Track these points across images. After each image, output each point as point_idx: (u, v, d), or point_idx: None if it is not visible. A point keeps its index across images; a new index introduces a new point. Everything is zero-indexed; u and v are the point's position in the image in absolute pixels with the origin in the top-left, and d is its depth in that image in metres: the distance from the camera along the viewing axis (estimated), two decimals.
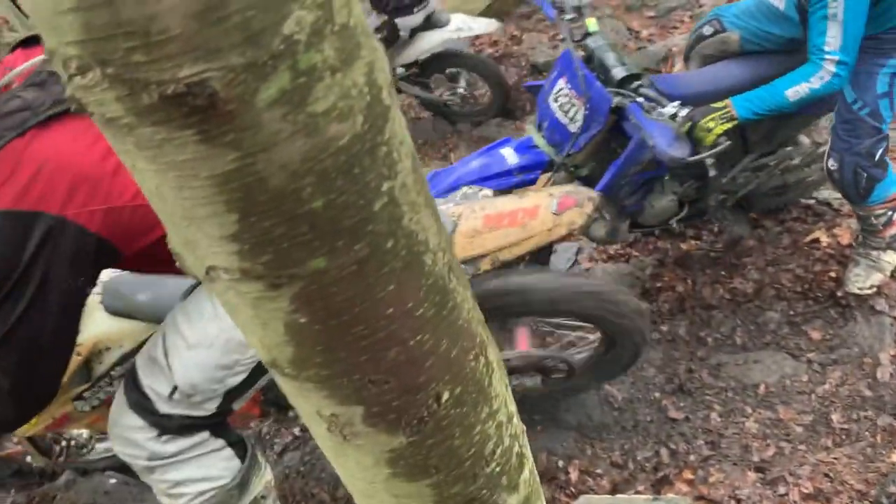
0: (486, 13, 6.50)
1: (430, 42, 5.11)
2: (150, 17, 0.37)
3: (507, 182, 2.64)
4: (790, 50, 2.68)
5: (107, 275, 1.77)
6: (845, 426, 2.63)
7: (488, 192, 2.08)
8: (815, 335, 3.02)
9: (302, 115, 0.43)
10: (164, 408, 1.46)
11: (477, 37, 6.42)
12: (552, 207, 1.94)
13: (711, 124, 2.35)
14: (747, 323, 3.13)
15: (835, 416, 2.68)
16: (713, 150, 2.34)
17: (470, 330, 0.62)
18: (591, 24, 2.61)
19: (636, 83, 2.48)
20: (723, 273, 3.33)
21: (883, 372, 2.73)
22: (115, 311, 1.82)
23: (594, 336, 2.48)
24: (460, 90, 5.50)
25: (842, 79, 2.30)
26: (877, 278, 2.94)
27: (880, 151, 2.56)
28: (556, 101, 2.64)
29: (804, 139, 3.18)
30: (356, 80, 0.45)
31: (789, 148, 3.07)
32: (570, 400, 2.90)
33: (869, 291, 2.95)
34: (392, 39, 4.90)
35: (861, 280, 2.96)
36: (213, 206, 0.45)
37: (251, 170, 0.43)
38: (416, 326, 0.55)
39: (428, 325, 0.56)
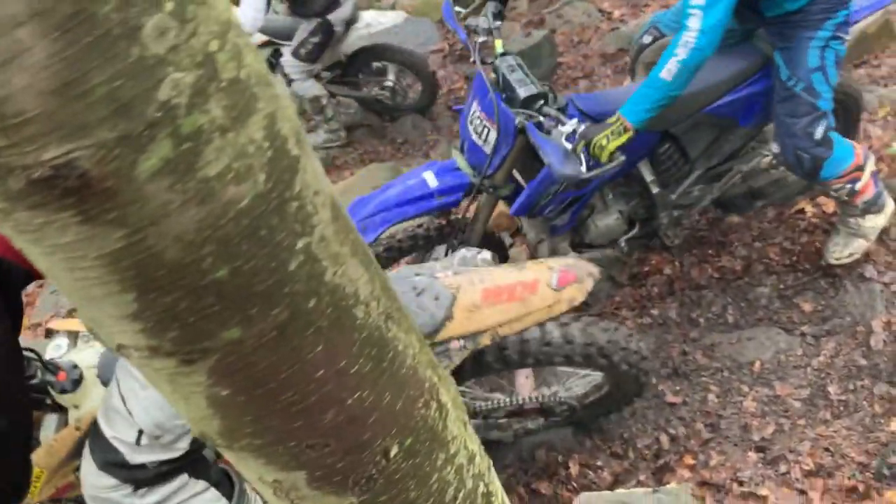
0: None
1: (348, 41, 5.15)
2: (2, 99, 0.34)
3: (428, 205, 2.62)
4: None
5: (101, 347, 1.73)
6: (843, 397, 2.61)
7: (487, 255, 2.04)
8: (807, 307, 3.00)
9: (192, 182, 0.39)
10: (134, 457, 1.40)
11: (448, 42, 6.38)
12: (552, 282, 1.90)
13: (604, 141, 2.28)
14: (738, 300, 3.11)
15: (832, 389, 2.66)
16: (607, 167, 2.30)
17: (417, 377, 0.59)
18: (499, 45, 2.60)
19: (540, 102, 2.46)
20: (710, 252, 3.31)
21: (876, 340, 2.71)
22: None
23: (596, 375, 2.47)
24: (389, 84, 5.49)
25: (707, 37, 2.17)
26: (858, 245, 2.90)
27: (820, 130, 2.50)
28: (471, 123, 2.63)
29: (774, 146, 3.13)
30: (252, 136, 0.42)
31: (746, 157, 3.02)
32: None
33: (847, 261, 2.92)
34: (328, 40, 4.89)
35: (839, 250, 2.93)
36: (108, 286, 0.41)
37: (142, 246, 0.40)
38: (352, 384, 0.52)
39: (366, 380, 0.53)
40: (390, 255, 2.85)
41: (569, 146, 2.28)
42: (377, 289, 0.54)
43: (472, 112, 2.65)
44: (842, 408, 2.58)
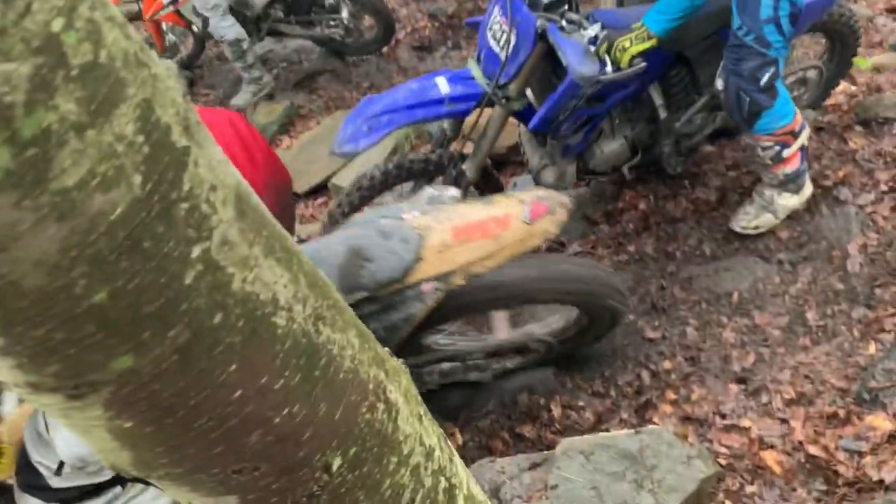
0: None
1: None
2: None
3: (437, 111, 2.53)
4: None
5: None
6: (821, 323, 2.61)
7: (455, 192, 1.97)
8: (783, 234, 2.98)
9: (44, 195, 0.32)
10: (56, 483, 1.33)
11: None
12: (524, 216, 1.83)
13: (627, 44, 2.26)
14: (714, 231, 3.07)
15: (810, 315, 2.65)
16: (627, 71, 2.28)
17: (358, 380, 0.53)
18: None
19: (563, 8, 2.40)
20: (684, 184, 3.26)
21: (853, 263, 2.70)
22: None
23: (571, 312, 2.45)
24: (342, 21, 5.26)
25: None
26: (766, 220, 2.89)
27: (766, 76, 2.42)
28: (490, 30, 2.54)
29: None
30: (121, 131, 0.35)
31: None
32: None
33: (753, 232, 2.92)
34: None
35: (747, 220, 2.91)
36: None
37: None
38: (279, 401, 0.46)
39: (295, 394, 0.47)
40: (399, 174, 2.76)
41: (591, 48, 2.23)
42: (302, 288, 0.47)
43: (492, 19, 2.55)
44: (820, 334, 2.58)
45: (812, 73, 3.15)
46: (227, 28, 4.79)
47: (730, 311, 2.79)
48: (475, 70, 2.63)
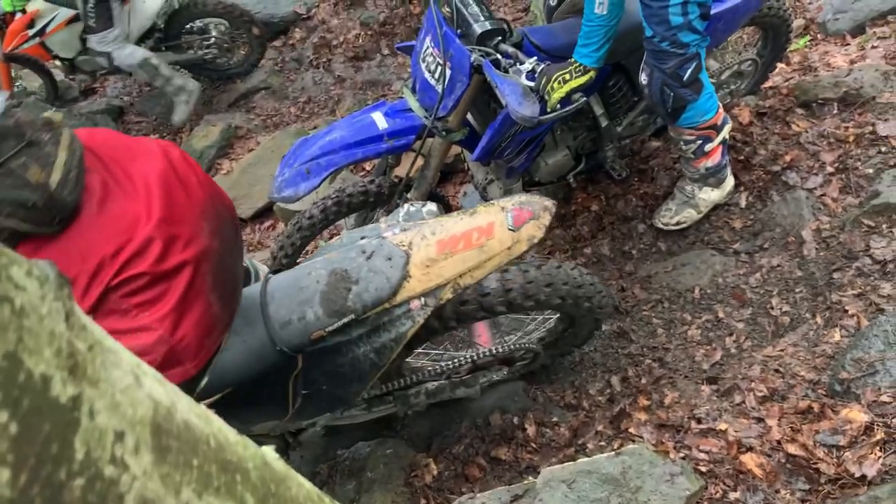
0: None
1: (151, 6, 4.84)
2: None
3: (377, 149, 2.46)
4: None
5: None
6: (784, 312, 2.61)
7: (432, 206, 1.90)
8: (737, 224, 2.98)
9: None
10: None
11: None
12: (508, 223, 1.78)
13: (567, 76, 2.23)
14: None
15: (772, 304, 2.65)
16: (568, 108, 2.24)
17: None
18: None
19: (497, 39, 2.33)
20: (633, 181, 3.23)
21: (808, 248, 2.70)
22: None
23: (552, 317, 2.42)
24: (212, 41, 5.29)
25: None
26: (688, 214, 2.91)
27: (689, 72, 2.41)
28: (423, 61, 2.47)
29: (712, 62, 3.09)
30: None
31: None
32: None
33: (674, 228, 2.94)
34: (107, 21, 4.58)
35: (669, 215, 2.93)
36: None
37: None
38: None
39: None
40: (339, 210, 2.69)
41: (528, 84, 2.17)
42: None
43: (424, 49, 2.48)
44: (785, 323, 2.57)
45: (748, 66, 3.16)
46: (130, 54, 4.78)
47: (692, 307, 2.78)
48: (412, 101, 2.56)
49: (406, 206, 1.95)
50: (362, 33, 5.56)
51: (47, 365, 0.29)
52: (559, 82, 2.22)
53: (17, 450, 0.27)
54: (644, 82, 2.55)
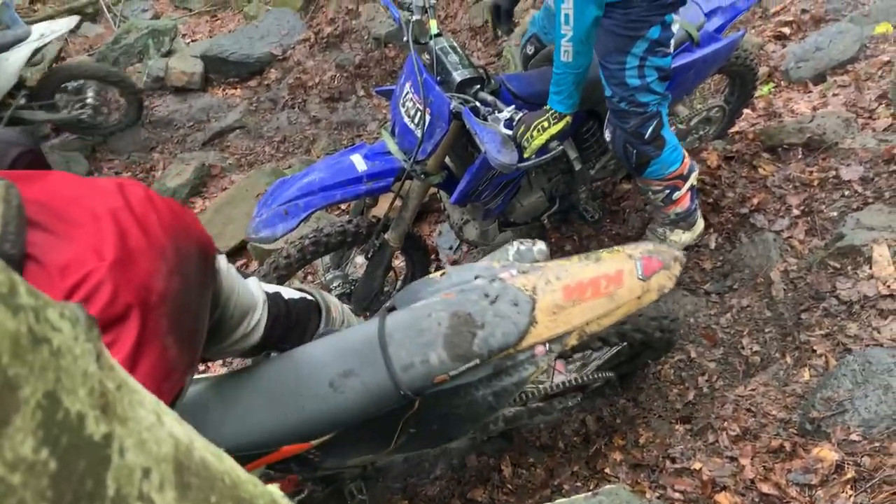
0: None
1: (15, 61, 4.80)
2: None
3: (356, 191, 2.48)
4: None
5: None
6: (754, 352, 2.65)
7: (542, 246, 1.87)
8: (707, 265, 3.04)
9: None
10: None
11: (313, 31, 6.13)
12: (638, 272, 1.76)
13: (545, 124, 2.26)
14: None
15: (744, 343, 2.70)
16: (546, 156, 2.28)
17: None
18: (434, 26, 2.47)
19: (476, 87, 2.38)
20: (605, 222, 3.29)
21: (777, 289, 2.76)
22: None
23: (620, 346, 2.35)
24: (89, 102, 5.26)
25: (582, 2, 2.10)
26: None
27: (650, 129, 2.48)
28: (403, 106, 2.51)
29: (681, 108, 3.18)
30: (16, 454, 0.26)
31: None
32: None
33: None
34: None
35: None
36: None
37: None
38: None
39: None
40: (316, 250, 2.68)
41: (506, 132, 2.20)
42: None
43: (404, 94, 2.52)
44: (756, 363, 2.62)
45: (716, 112, 3.26)
46: None
47: None
48: (391, 144, 2.59)
49: (515, 244, 1.89)
50: (338, 75, 5.62)
51: (82, 404, 0.30)
52: (538, 130, 2.26)
53: (56, 487, 0.28)
54: (608, 139, 2.62)
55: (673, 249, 1.87)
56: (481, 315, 1.65)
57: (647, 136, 2.50)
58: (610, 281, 1.72)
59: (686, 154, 2.70)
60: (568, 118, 2.30)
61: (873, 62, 3.64)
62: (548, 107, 2.30)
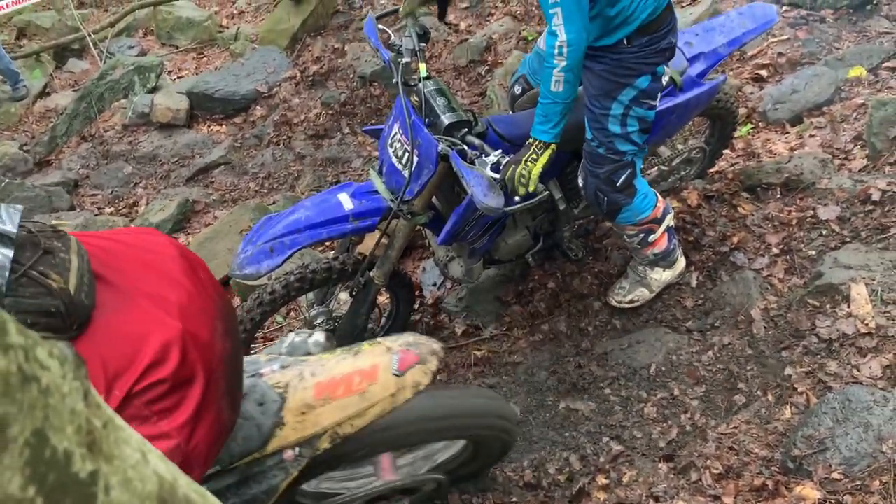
0: (301, 30, 6.29)
1: None
2: None
3: (342, 229, 2.49)
4: None
5: None
6: (736, 390, 2.66)
7: (320, 337, 1.82)
8: (688, 302, 3.06)
9: None
10: None
11: (299, 69, 6.20)
12: (393, 367, 1.67)
13: (529, 164, 2.25)
14: None
15: (725, 382, 2.71)
16: (533, 200, 2.27)
17: None
18: (423, 68, 2.50)
19: (464, 130, 2.41)
20: (588, 260, 3.31)
21: (757, 327, 2.79)
22: None
23: (460, 444, 2.25)
24: None
25: (577, 27, 2.10)
26: (641, 293, 2.99)
27: (622, 178, 2.52)
28: (391, 146, 2.54)
29: (663, 149, 3.24)
30: (4, 491, 0.27)
31: None
32: None
33: (628, 306, 3.01)
34: None
35: (622, 294, 3.02)
36: None
37: None
38: None
39: None
40: (301, 286, 2.67)
41: (493, 175, 2.21)
42: None
43: (392, 134, 2.55)
44: (738, 401, 2.63)
45: (696, 153, 3.32)
46: None
47: (648, 384, 2.82)
48: (378, 183, 2.61)
49: (291, 335, 1.85)
50: (323, 112, 5.67)
51: (69, 442, 0.31)
52: (530, 163, 2.25)
53: None
54: (580, 184, 2.65)
55: (432, 343, 1.79)
56: None
57: (618, 183, 2.54)
58: (364, 377, 1.64)
59: (659, 198, 2.74)
60: (553, 146, 2.31)
61: (848, 104, 3.72)
62: (531, 139, 2.31)
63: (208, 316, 1.38)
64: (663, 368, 2.84)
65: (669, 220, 2.80)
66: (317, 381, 1.61)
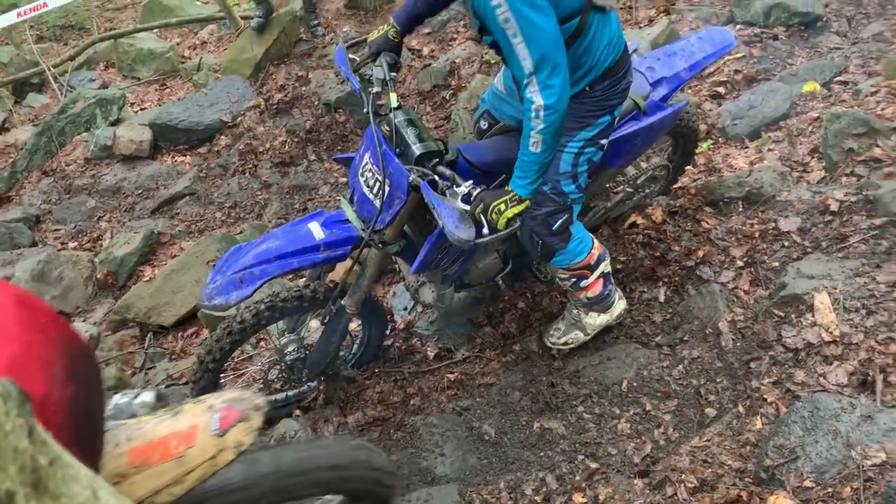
0: (264, 59, 6.30)
1: None
2: None
3: (313, 259, 2.48)
4: None
5: None
6: (707, 402, 2.69)
7: (147, 397, 1.65)
8: (657, 317, 3.09)
9: None
10: None
11: (263, 97, 6.19)
12: (213, 427, 1.54)
13: (502, 206, 2.25)
14: None
15: (696, 395, 2.73)
16: (504, 232, 2.26)
17: None
18: (394, 98, 2.48)
19: (435, 160, 2.39)
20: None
21: (726, 339, 2.82)
22: None
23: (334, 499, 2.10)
24: None
25: (555, 91, 2.09)
26: (575, 336, 3.00)
27: (558, 223, 2.54)
28: (362, 175, 2.52)
29: (630, 169, 3.29)
30: None
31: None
32: (443, 447, 2.78)
33: (563, 348, 3.02)
34: None
35: (556, 335, 3.02)
36: None
37: None
38: None
39: None
40: (271, 315, 2.63)
41: (464, 207, 2.20)
42: None
43: (363, 164, 2.52)
44: (710, 412, 2.65)
45: (660, 171, 3.37)
46: None
47: (621, 400, 2.83)
48: (349, 212, 2.60)
49: (116, 397, 1.71)
50: (288, 140, 5.66)
51: (12, 481, 0.30)
52: (496, 213, 2.23)
53: None
54: (517, 224, 2.61)
55: (256, 398, 1.64)
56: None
57: (554, 227, 2.55)
58: (182, 440, 1.51)
59: (596, 245, 2.74)
60: (527, 202, 2.29)
61: (804, 118, 3.81)
62: (509, 188, 2.30)
63: (45, 363, 1.27)
64: (635, 384, 2.85)
65: (605, 267, 2.80)
66: (132, 446, 1.47)
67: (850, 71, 4.05)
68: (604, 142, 2.46)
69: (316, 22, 6.41)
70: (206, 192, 5.60)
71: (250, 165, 5.68)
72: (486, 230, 2.24)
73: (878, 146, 3.32)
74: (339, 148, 5.40)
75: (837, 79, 4.02)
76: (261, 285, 2.40)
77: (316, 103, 5.75)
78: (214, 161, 5.84)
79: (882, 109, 3.60)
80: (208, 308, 2.41)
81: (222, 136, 6.04)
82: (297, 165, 5.55)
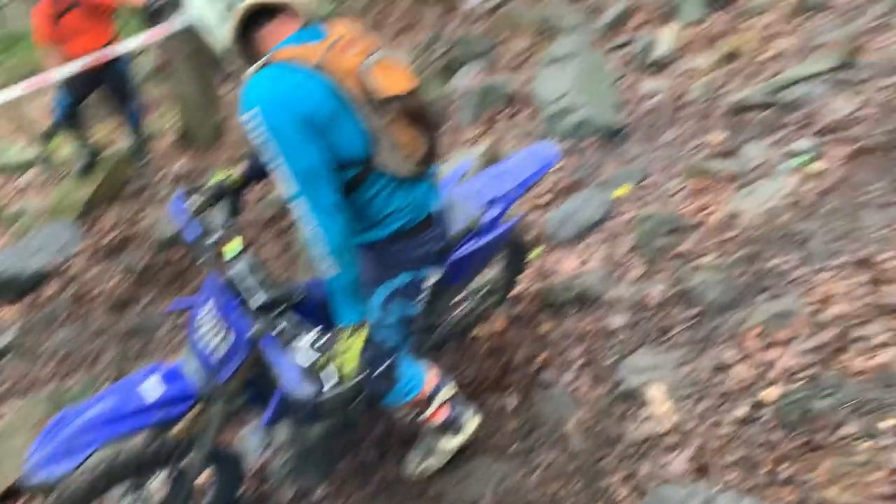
0: (92, 200, 6.09)
1: None
2: None
3: (147, 419, 2.33)
4: None
5: None
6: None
7: None
8: (510, 426, 3.13)
9: None
10: None
11: (93, 239, 5.94)
12: None
13: (345, 346, 2.16)
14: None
15: (554, 500, 2.76)
16: (349, 384, 2.15)
17: None
18: (232, 247, 2.28)
19: (280, 307, 2.19)
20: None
21: (575, 441, 2.90)
22: None
23: None
24: None
25: (323, 217, 2.04)
26: (429, 465, 2.98)
27: (379, 370, 2.46)
28: (202, 326, 2.42)
29: (470, 285, 3.38)
30: None
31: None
32: None
33: (419, 477, 2.99)
34: None
35: (413, 465, 3.01)
36: None
37: None
38: None
39: None
40: (109, 480, 2.37)
41: (307, 362, 2.07)
42: None
43: (204, 312, 2.40)
44: None
45: (498, 283, 3.52)
46: None
47: None
48: (189, 364, 2.47)
49: None
50: (122, 281, 5.42)
51: None
52: (341, 355, 2.15)
53: None
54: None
55: None
56: None
57: (374, 375, 2.44)
58: None
59: (430, 377, 2.73)
60: (366, 324, 2.23)
61: (619, 221, 4.14)
62: (338, 326, 2.21)
63: None
64: (498, 497, 2.85)
65: (445, 394, 2.79)
66: None
67: (654, 175, 4.47)
68: (414, 302, 2.42)
69: (146, 160, 6.31)
70: (33, 346, 5.19)
71: (82, 311, 5.36)
72: (331, 382, 2.11)
73: (683, 242, 3.65)
74: (176, 285, 5.22)
75: (643, 183, 4.42)
76: (90, 454, 2.22)
77: (150, 242, 5.58)
78: (41, 311, 5.46)
79: (685, 208, 3.98)
80: (31, 487, 2.20)
81: (50, 283, 5.68)
82: (132, 307, 5.29)
